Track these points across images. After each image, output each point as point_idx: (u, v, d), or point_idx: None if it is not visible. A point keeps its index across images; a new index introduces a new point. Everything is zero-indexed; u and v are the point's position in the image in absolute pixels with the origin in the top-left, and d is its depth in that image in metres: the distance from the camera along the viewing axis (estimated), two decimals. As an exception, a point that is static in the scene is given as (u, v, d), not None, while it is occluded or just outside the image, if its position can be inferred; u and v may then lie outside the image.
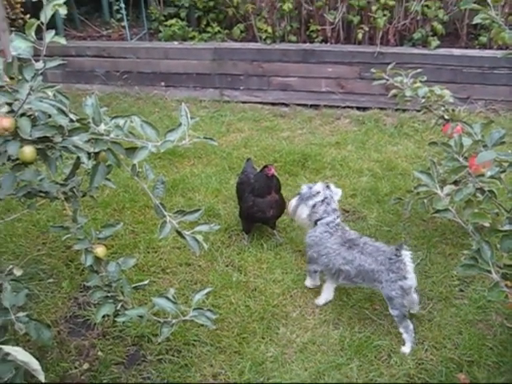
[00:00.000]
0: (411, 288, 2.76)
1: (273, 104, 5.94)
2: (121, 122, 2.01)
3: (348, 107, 5.74)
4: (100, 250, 2.30)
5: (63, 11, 1.88)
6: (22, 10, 5.94)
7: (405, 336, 2.76)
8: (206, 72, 6.04)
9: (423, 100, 3.43)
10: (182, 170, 4.53)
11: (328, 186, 3.09)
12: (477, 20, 2.74)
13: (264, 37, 5.92)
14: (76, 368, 2.69)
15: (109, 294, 2.29)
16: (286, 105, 5.90)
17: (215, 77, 6.04)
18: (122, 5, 6.29)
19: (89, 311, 3.04)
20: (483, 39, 5.57)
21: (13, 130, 1.86)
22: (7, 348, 1.55)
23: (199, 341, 2.83)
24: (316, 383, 2.58)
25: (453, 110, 3.43)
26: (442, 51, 5.49)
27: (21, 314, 2.07)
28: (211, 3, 6.23)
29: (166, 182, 2.50)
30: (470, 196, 2.23)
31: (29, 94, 1.85)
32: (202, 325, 2.77)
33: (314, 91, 5.83)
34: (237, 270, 3.35)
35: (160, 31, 6.40)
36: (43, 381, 1.54)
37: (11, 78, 1.98)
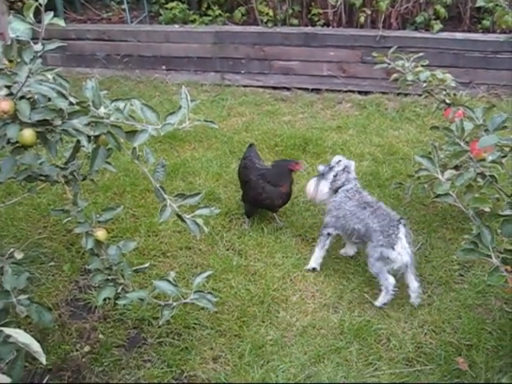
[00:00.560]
0: (395, 262, 2.85)
1: (274, 88, 5.91)
2: (121, 105, 2.01)
3: (350, 91, 5.71)
4: (100, 234, 2.31)
5: (62, -7, 1.86)
6: (22, -8, 5.88)
7: (382, 293, 2.91)
8: (207, 56, 6.01)
9: (425, 84, 3.42)
10: (182, 153, 4.53)
11: None
12: (480, 3, 2.73)
13: (265, 20, 5.87)
14: (77, 350, 2.70)
15: (109, 277, 2.31)
16: (288, 89, 5.87)
17: (216, 60, 6.01)
18: (123, -13, 6.25)
19: (89, 294, 3.05)
20: (486, 23, 5.52)
21: (12, 112, 1.86)
22: (8, 330, 1.56)
23: (199, 324, 2.84)
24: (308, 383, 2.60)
25: (454, 95, 3.41)
26: (444, 35, 5.45)
27: (22, 297, 2.08)
28: (212, -14, 6.18)
29: (167, 166, 2.50)
30: (471, 181, 2.23)
31: (28, 76, 1.85)
32: (203, 308, 2.82)
33: (316, 75, 5.79)
34: (237, 253, 3.35)
35: (160, 14, 6.35)
36: (44, 363, 1.55)
37: (10, 61, 1.97)
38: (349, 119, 5.10)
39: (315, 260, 3.20)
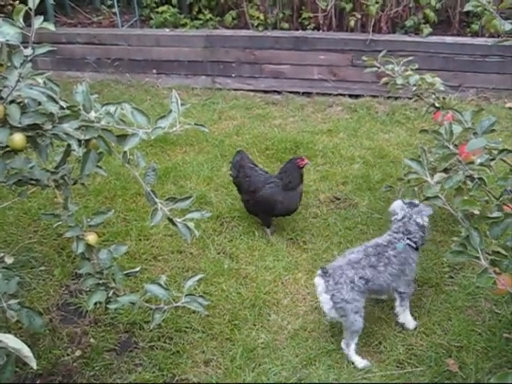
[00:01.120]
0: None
1: (265, 92, 5.92)
2: (111, 109, 2.01)
3: (340, 95, 5.73)
4: (91, 238, 2.30)
5: (52, -3, 1.86)
6: (12, -5, 5.87)
7: None
8: (197, 59, 6.01)
9: (414, 88, 3.43)
10: (173, 157, 4.53)
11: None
12: (468, 8, 2.74)
13: (256, 24, 5.90)
14: (68, 355, 2.70)
15: (100, 281, 2.30)
16: (278, 92, 5.89)
17: (207, 64, 6.01)
18: (113, -9, 6.24)
19: (80, 299, 3.04)
20: (475, 27, 5.57)
21: (2, 117, 1.85)
22: (-2, 335, 1.56)
23: (191, 328, 2.84)
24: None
25: (443, 98, 3.43)
26: (434, 39, 5.49)
27: (12, 302, 2.06)
28: (203, -10, 6.19)
29: (158, 170, 2.50)
30: (460, 183, 2.24)
31: (18, 80, 1.84)
32: (194, 312, 2.82)
33: (306, 79, 5.81)
34: (228, 257, 3.36)
35: (151, 18, 6.36)
36: (35, 367, 1.55)
37: (0, 65, 1.97)
38: (339, 122, 5.12)
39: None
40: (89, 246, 2.30)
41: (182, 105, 2.04)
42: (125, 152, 2.04)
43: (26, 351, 1.54)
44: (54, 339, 2.78)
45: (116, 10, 6.38)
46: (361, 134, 4.87)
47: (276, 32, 5.89)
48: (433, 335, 2.78)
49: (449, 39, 5.49)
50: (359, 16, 5.67)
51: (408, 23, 5.62)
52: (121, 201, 3.90)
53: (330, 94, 5.74)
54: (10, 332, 1.73)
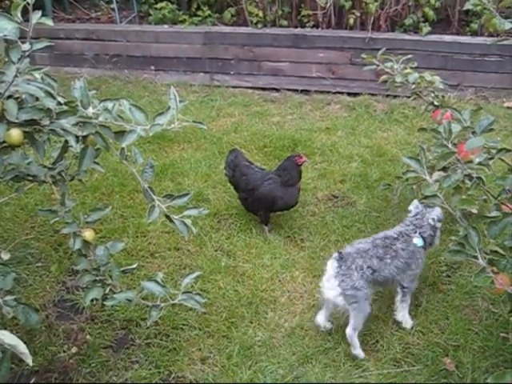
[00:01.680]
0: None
1: (263, 89, 5.91)
2: (109, 105, 2.00)
3: (339, 93, 5.72)
4: (88, 234, 2.30)
5: (49, -8, 1.85)
6: (10, -10, 5.85)
7: None
8: (196, 56, 6.00)
9: (413, 86, 3.43)
10: (171, 154, 4.52)
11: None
12: (467, 6, 2.74)
13: (255, 21, 5.88)
14: (64, 352, 2.69)
15: (97, 278, 2.29)
16: (277, 90, 5.88)
17: (205, 61, 6.00)
18: (112, -13, 6.22)
19: (77, 295, 3.04)
20: (474, 26, 5.56)
21: (-1, 112, 1.84)
22: (-6, 331, 1.55)
23: (188, 325, 2.84)
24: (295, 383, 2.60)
25: (442, 97, 3.43)
26: (433, 37, 5.48)
27: (8, 298, 2.06)
28: (202, -14, 6.17)
29: (156, 167, 2.49)
30: (459, 182, 2.24)
31: (15, 76, 1.83)
32: (191, 309, 2.81)
33: (305, 76, 5.80)
34: (226, 254, 3.35)
35: (150, 14, 6.33)
36: (31, 364, 1.54)
37: (-3, 60, 1.96)
38: (338, 120, 5.11)
39: None
40: (86, 243, 2.30)
41: (180, 102, 2.04)
42: (122, 148, 2.03)
43: (21, 348, 1.54)
44: (50, 336, 2.78)
45: (114, 5, 6.35)
46: (359, 132, 4.86)
47: (275, 29, 5.87)
48: (430, 334, 2.78)
49: (448, 38, 5.48)
50: (358, 14, 5.65)
51: (407, 22, 5.61)
52: (118, 197, 3.89)
53: (328, 92, 5.73)
54: (5, 328, 1.72)
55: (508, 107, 5.19)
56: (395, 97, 5.42)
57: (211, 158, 4.42)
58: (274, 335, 2.79)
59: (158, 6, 6.20)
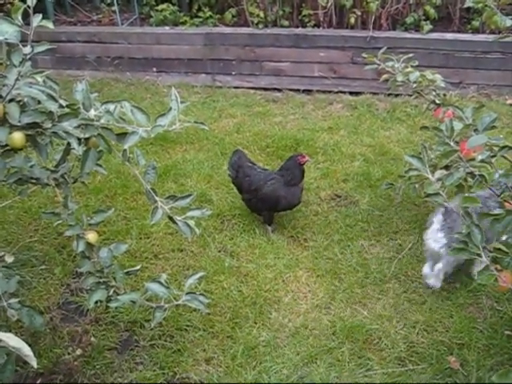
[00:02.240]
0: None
1: (265, 89, 5.91)
2: (111, 107, 2.01)
3: (340, 92, 5.72)
4: (91, 236, 2.30)
5: (50, -5, 1.86)
6: (11, -6, 5.86)
7: None
8: (197, 57, 6.00)
9: (415, 85, 3.43)
10: (173, 155, 4.52)
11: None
12: (468, 4, 2.73)
13: (256, 21, 5.88)
14: (69, 354, 2.69)
15: (101, 280, 2.30)
16: (279, 90, 5.88)
17: (207, 62, 6.00)
18: (113, -11, 6.23)
19: (81, 297, 3.04)
20: (476, 23, 5.55)
21: (1, 115, 1.85)
22: (-1, 334, 1.56)
23: (192, 326, 2.84)
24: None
25: (444, 95, 3.43)
26: (434, 35, 5.47)
27: (13, 301, 2.07)
28: (203, -13, 6.18)
29: (158, 168, 2.50)
30: (461, 180, 2.24)
31: (17, 79, 1.84)
32: (195, 310, 2.81)
33: (307, 76, 5.80)
34: (229, 255, 3.35)
35: (151, 16, 6.34)
36: (35, 366, 1.55)
37: (-1, 64, 1.97)
38: (340, 120, 5.11)
39: None
40: (89, 245, 2.30)
41: (181, 103, 2.04)
42: (124, 150, 2.04)
43: (26, 350, 1.55)
44: (54, 338, 2.78)
45: (116, 8, 6.36)
46: (361, 132, 4.86)
47: (276, 29, 5.87)
48: (434, 332, 2.78)
49: (449, 36, 5.48)
50: (359, 13, 5.65)
51: (408, 20, 5.60)
52: (121, 199, 3.89)
53: (330, 92, 5.73)
54: (10, 331, 1.73)
55: (510, 104, 5.18)
56: (397, 95, 5.41)
57: (214, 158, 4.43)
58: (278, 335, 2.79)
59: (159, 7, 6.21)
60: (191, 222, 2.12)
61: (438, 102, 3.41)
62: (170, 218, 2.12)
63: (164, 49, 6.07)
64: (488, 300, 2.96)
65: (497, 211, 2.12)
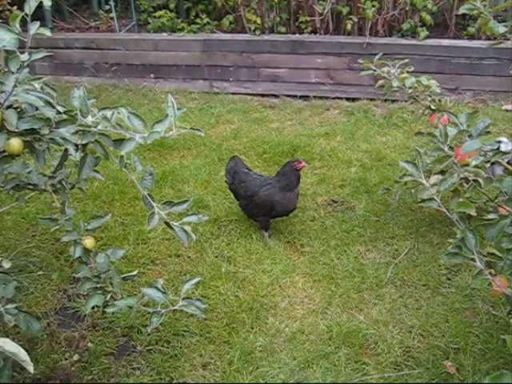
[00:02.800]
0: None
1: (262, 95, 5.94)
2: (108, 113, 2.02)
3: (337, 98, 5.75)
4: (88, 242, 2.31)
5: (48, 3, 1.88)
6: (9, 1, 5.88)
7: None
8: (195, 64, 6.03)
9: (410, 90, 3.46)
10: (171, 161, 4.54)
11: None
12: (462, 10, 2.76)
13: (253, 28, 5.92)
14: (66, 359, 2.70)
15: (98, 285, 2.31)
16: (276, 96, 5.91)
17: (204, 68, 6.03)
18: (111, -4, 6.27)
19: (78, 303, 3.05)
20: (472, 30, 5.59)
21: (-1, 122, 1.87)
22: (-5, 339, 1.57)
23: (189, 331, 2.85)
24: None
25: (439, 101, 3.45)
26: (430, 42, 5.51)
27: (10, 306, 2.07)
28: (200, -6, 6.22)
29: (155, 174, 2.51)
30: (455, 185, 2.26)
31: (15, 86, 1.85)
32: (192, 315, 2.82)
33: (304, 82, 5.83)
34: (226, 260, 3.36)
35: (149, 23, 6.37)
36: (32, 371, 1.56)
37: (-3, 71, 1.98)
38: (337, 126, 5.13)
39: None
40: (86, 250, 2.32)
41: (178, 109, 2.06)
42: (122, 156, 2.05)
43: (22, 355, 1.56)
44: (51, 343, 2.78)
45: (114, 14, 6.40)
46: (358, 137, 4.88)
47: (273, 36, 5.91)
48: (430, 337, 2.79)
49: (445, 42, 5.52)
50: (356, 19, 5.69)
51: (404, 26, 5.64)
52: (118, 205, 3.91)
53: (327, 98, 5.76)
54: (7, 336, 1.74)
55: (506, 110, 5.21)
56: (394, 101, 5.45)
57: (211, 164, 4.44)
58: (274, 340, 2.80)
59: (157, 14, 6.25)
60: (188, 228, 2.13)
61: (433, 107, 3.44)
62: (167, 224, 2.12)
63: (162, 55, 6.09)
64: (484, 305, 2.97)
65: (491, 216, 2.14)
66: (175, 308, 2.30)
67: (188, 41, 6.00)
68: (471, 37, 5.62)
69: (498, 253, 2.04)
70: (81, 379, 2.60)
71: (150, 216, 2.10)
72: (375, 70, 3.52)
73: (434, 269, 3.24)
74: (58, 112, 1.98)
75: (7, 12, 5.86)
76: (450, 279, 3.18)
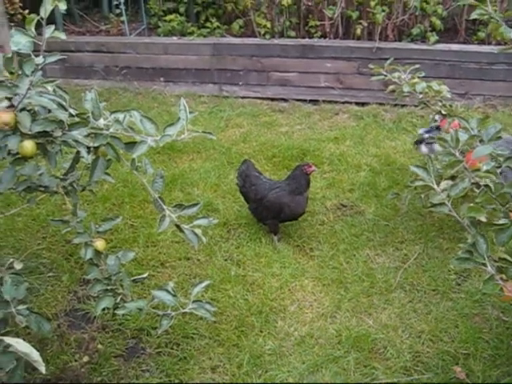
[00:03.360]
0: None
1: (272, 99, 5.95)
2: (120, 116, 2.04)
3: (347, 102, 5.75)
4: (99, 244, 2.33)
5: (63, 6, 1.90)
6: (21, 5, 5.93)
7: None
8: (205, 67, 6.05)
9: (421, 95, 3.46)
10: (181, 165, 4.55)
11: None
12: (473, 16, 2.76)
13: (263, 32, 5.93)
14: (76, 361, 2.71)
15: (108, 287, 2.32)
16: (285, 100, 5.92)
17: (214, 72, 6.05)
18: (121, 0, 6.30)
19: (88, 305, 3.06)
20: (482, 34, 5.58)
21: (13, 124, 1.88)
22: (8, 339, 1.58)
23: (198, 334, 2.85)
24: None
25: (450, 106, 3.45)
26: (440, 46, 5.50)
27: (21, 307, 2.08)
28: (210, -2, 6.25)
29: (165, 177, 2.52)
30: (466, 190, 2.25)
31: (29, 88, 1.87)
32: (201, 318, 2.82)
33: (313, 86, 5.84)
34: (235, 264, 3.37)
35: (159, 26, 6.40)
36: (44, 372, 1.57)
37: (11, 73, 2.00)
38: (346, 130, 5.13)
39: None
40: (97, 252, 2.32)
41: (190, 112, 2.07)
42: (133, 159, 2.07)
43: (35, 355, 1.57)
44: (61, 345, 2.80)
45: (124, 18, 6.43)
46: (367, 142, 4.88)
47: (283, 40, 5.92)
48: (440, 342, 2.78)
49: (455, 47, 5.51)
50: (366, 24, 5.69)
51: (414, 31, 5.64)
52: (128, 207, 3.92)
53: (336, 102, 5.76)
54: (18, 337, 1.74)
55: (516, 115, 5.20)
56: (403, 106, 5.44)
57: (220, 168, 4.45)
58: (283, 344, 2.80)
59: (167, 18, 6.28)
60: (198, 231, 2.14)
61: (444, 112, 3.43)
62: (178, 227, 2.14)
63: (172, 59, 6.12)
64: (494, 310, 2.96)
65: (502, 221, 2.13)
66: (185, 311, 2.31)
67: (198, 45, 6.02)
68: (481, 42, 5.61)
69: (509, 258, 2.03)
70: (90, 380, 2.61)
71: (160, 219, 2.11)
72: (386, 76, 3.52)
73: (443, 274, 3.23)
74: (71, 115, 2.00)
75: (19, 15, 5.91)
76: (459, 284, 3.17)
